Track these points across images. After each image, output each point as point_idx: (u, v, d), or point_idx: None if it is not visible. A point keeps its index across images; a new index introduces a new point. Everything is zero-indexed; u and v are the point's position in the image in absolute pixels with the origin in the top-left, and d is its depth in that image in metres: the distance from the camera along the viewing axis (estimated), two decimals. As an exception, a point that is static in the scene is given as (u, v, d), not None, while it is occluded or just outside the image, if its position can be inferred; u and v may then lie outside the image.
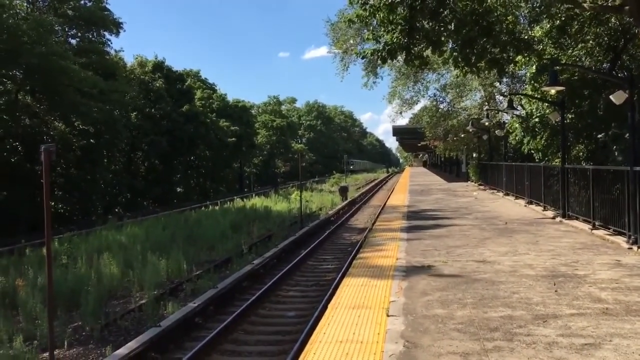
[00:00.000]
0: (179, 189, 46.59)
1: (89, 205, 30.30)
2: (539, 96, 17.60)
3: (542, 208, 17.20)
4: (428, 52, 14.13)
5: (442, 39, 13.59)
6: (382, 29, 13.15)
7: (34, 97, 27.45)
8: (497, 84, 30.48)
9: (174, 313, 10.10)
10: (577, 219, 13.99)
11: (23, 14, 24.83)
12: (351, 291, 7.74)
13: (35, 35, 23.06)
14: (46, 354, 7.97)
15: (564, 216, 14.74)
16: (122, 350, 8.04)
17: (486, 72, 16.12)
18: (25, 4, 27.61)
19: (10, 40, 22.27)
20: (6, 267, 13.51)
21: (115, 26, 31.60)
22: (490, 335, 5.53)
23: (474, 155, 39.38)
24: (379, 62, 16.62)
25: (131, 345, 8.27)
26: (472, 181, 36.41)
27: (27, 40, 22.72)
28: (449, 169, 59.84)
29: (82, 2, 30.44)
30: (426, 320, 6.11)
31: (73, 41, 30.55)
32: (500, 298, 6.97)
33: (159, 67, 44.81)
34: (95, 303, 10.58)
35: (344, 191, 40.53)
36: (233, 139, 52.79)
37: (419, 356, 5.04)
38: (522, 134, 20.39)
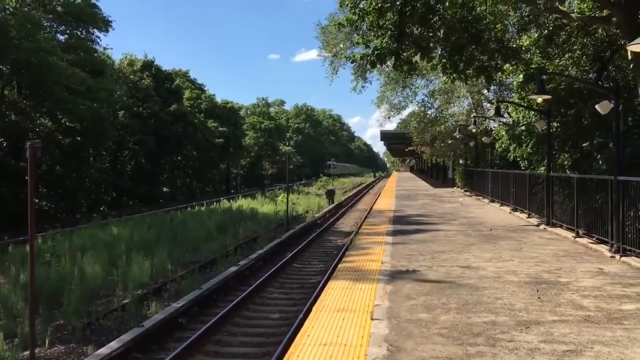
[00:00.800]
0: (165, 189, 46.29)
1: (73, 203, 30.03)
2: (525, 104, 17.78)
3: (527, 215, 17.33)
4: (417, 57, 14.24)
5: (431, 45, 13.72)
6: (372, 34, 13.23)
7: (20, 93, 27.19)
8: (485, 91, 30.77)
9: (157, 313, 10.05)
10: (561, 226, 14.11)
11: (11, 9, 24.56)
12: (336, 294, 7.75)
13: (23, 30, 22.84)
14: (27, 353, 7.87)
15: (548, 224, 14.86)
16: (104, 350, 7.99)
17: (474, 79, 16.30)
18: (14, -1, 27.38)
19: (-3, 34, 22.08)
20: (-13, 264, 13.34)
21: (105, 24, 31.39)
22: (474, 340, 5.56)
23: (461, 161, 39.63)
24: (368, 66, 16.74)
25: (113, 345, 8.22)
26: (459, 187, 36.58)
27: (15, 36, 22.50)
28: (436, 175, 60.14)
29: (72, -2, 30.25)
30: (410, 324, 6.13)
31: (61, 37, 30.32)
32: (484, 304, 7.01)
33: (148, 66, 44.58)
34: (78, 302, 10.49)
35: (330, 194, 40.58)
36: (221, 139, 52.60)
37: (403, 360, 5.06)
38: (509, 141, 20.57)
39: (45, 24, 27.37)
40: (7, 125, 24.32)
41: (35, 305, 8.02)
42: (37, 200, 25.63)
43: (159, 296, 12.15)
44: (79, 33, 30.84)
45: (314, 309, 7.05)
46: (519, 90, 18.70)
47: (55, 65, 23.93)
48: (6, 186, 25.50)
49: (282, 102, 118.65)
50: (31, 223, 7.38)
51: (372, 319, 6.35)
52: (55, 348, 8.90)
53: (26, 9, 26.62)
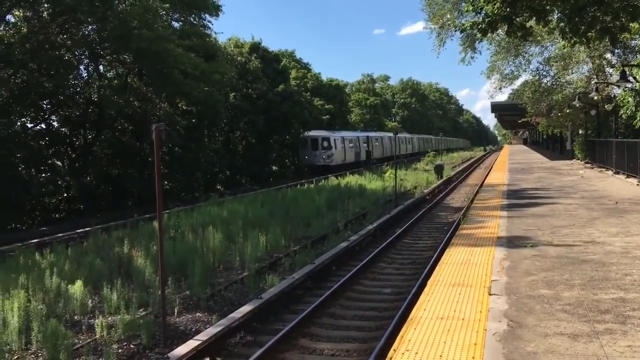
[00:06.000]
0: (274, 167, 47.76)
1: (191, 182, 31.76)
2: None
3: (658, 187, 16.02)
4: (532, 22, 13.46)
5: (548, 8, 12.89)
6: (482, 0, 12.66)
7: (141, 80, 29.03)
8: (608, 55, 28.50)
9: (273, 286, 10.44)
10: (698, 199, 12.92)
11: (132, 0, 26.14)
12: (450, 269, 7.64)
13: (142, 20, 24.28)
14: (159, 321, 8.51)
15: (683, 196, 13.66)
16: (227, 320, 8.43)
17: (596, 42, 15.16)
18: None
19: (120, 25, 23.62)
20: (121, 239, 14.48)
21: (215, 9, 32.54)
22: (601, 318, 5.28)
23: (580, 131, 37.26)
24: (478, 35, 16.04)
25: (234, 315, 8.64)
26: (578, 159, 34.56)
27: (136, 26, 23.97)
28: (552, 147, 57.12)
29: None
30: (531, 300, 5.92)
31: (176, 24, 31.86)
32: (611, 280, 6.62)
33: (256, 48, 45.84)
34: (201, 274, 11.12)
35: (439, 170, 39.78)
36: (327, 117, 53.20)
37: (525, 336, 4.91)
38: (635, 107, 19.01)
39: (162, 13, 28.85)
40: (132, 111, 26.11)
41: (165, 278, 8.63)
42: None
43: (274, 270, 12.61)
44: (192, 19, 32.24)
45: (428, 283, 7.02)
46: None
47: (172, 51, 25.24)
48: (133, 167, 27.51)
49: (387, 78, 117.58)
50: (159, 199, 7.92)
51: (489, 294, 6.21)
52: (183, 317, 9.55)
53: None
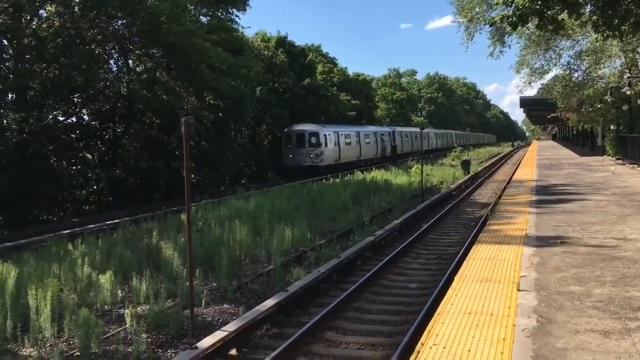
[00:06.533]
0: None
1: (218, 175, 32.04)
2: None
3: (692, 184, 15.63)
4: (563, 15, 13.24)
5: (580, 1, 12.66)
6: (513, -7, 12.47)
7: (169, 74, 29.34)
8: (641, 48, 27.85)
9: (299, 279, 10.49)
10: None
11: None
12: (478, 264, 7.59)
13: (171, 15, 24.51)
14: (187, 312, 8.63)
15: None
16: (253, 312, 8.50)
17: (629, 35, 14.84)
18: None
19: (150, 20, 23.89)
20: (150, 231, 14.70)
21: (242, 3, 32.68)
22: (633, 315, 5.19)
23: (612, 127, 36.47)
24: (508, 28, 15.83)
25: (260, 308, 8.69)
26: (609, 155, 33.89)
27: (164, 20, 24.22)
28: (582, 142, 56.13)
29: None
30: (560, 296, 5.85)
31: (204, 19, 32.08)
32: (644, 277, 6.49)
33: (282, 42, 45.92)
34: (228, 266, 11.23)
35: (466, 165, 39.42)
36: (353, 112, 53.02)
37: (555, 332, 4.86)
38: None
39: (190, 7, 29.08)
40: (160, 105, 26.40)
41: (193, 269, 8.73)
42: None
43: (299, 263, 12.67)
44: (219, 14, 32.43)
45: (456, 278, 6.98)
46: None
47: (200, 46, 25.43)
48: (161, 161, 27.85)
49: (414, 72, 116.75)
50: (187, 192, 8.01)
51: (518, 290, 6.15)
52: (210, 308, 9.66)
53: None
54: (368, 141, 47.66)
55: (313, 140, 38.20)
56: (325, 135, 38.79)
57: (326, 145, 38.61)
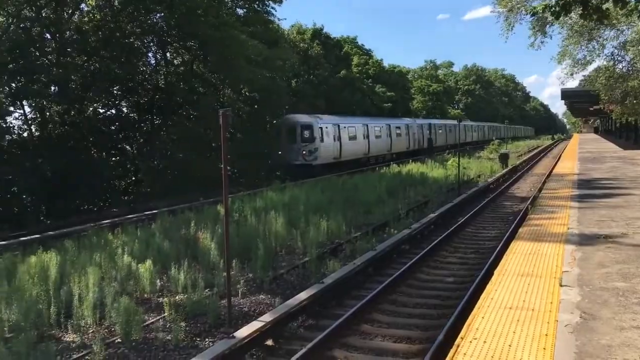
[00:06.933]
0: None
1: (253, 167, 32.23)
2: None
3: None
4: (608, 4, 12.80)
5: (627, -12, 12.21)
6: (556, -19, 12.12)
7: (206, 66, 29.63)
8: (690, 38, 26.81)
9: (335, 272, 10.48)
10: None
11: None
12: (518, 259, 7.44)
13: (208, 8, 24.74)
14: (223, 302, 8.72)
15: None
16: (289, 303, 8.52)
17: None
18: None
19: (187, 13, 24.16)
20: (187, 221, 14.90)
21: (279, -5, 32.76)
22: (683, 314, 5.01)
23: (657, 119, 35.31)
24: (550, 18, 15.42)
25: (291, 302, 8.66)
26: (654, 149, 32.84)
27: (202, 13, 24.46)
28: (626, 136, 54.56)
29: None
30: (605, 292, 5.69)
31: (240, 11, 32.24)
32: (693, 275, 6.26)
33: (317, 34, 45.91)
34: (264, 258, 11.31)
35: (504, 158, 38.74)
36: (389, 104, 52.70)
37: (599, 328, 4.73)
38: None
39: (227, 0, 29.29)
40: (197, 97, 26.70)
41: (230, 260, 8.81)
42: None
43: (335, 255, 12.66)
44: (255, 6, 32.53)
45: (495, 272, 6.86)
46: None
47: (236, 38, 25.60)
48: (197, 152, 28.15)
49: (451, 64, 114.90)
50: (225, 183, 8.08)
51: (560, 286, 6.01)
52: (247, 299, 9.75)
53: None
54: (399, 133, 43.95)
55: (306, 134, 31.56)
56: (320, 128, 32.09)
57: (322, 140, 31.92)
